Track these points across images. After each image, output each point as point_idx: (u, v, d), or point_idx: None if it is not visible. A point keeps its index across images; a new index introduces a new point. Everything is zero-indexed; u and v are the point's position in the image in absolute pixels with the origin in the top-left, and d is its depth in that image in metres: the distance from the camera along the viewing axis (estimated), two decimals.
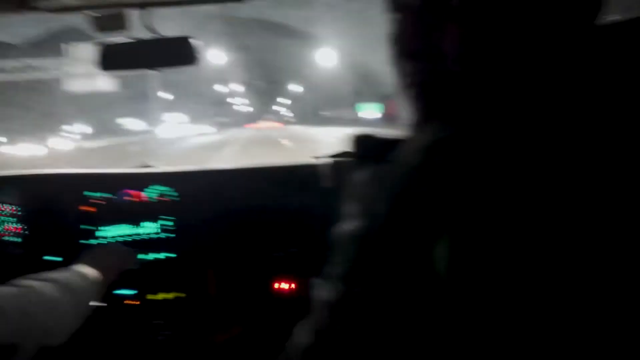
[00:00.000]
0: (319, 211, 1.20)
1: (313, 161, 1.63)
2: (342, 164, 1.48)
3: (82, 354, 1.45)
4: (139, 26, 1.42)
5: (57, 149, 28.43)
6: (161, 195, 1.60)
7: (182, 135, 36.27)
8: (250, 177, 1.69)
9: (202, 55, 1.47)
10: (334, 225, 0.57)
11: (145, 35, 1.43)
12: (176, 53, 1.45)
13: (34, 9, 1.28)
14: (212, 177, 1.69)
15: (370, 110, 36.70)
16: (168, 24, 1.56)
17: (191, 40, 1.43)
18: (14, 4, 1.25)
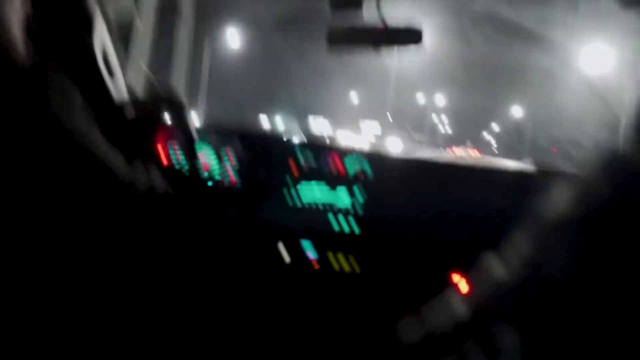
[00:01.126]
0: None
1: (515, 166, 1.55)
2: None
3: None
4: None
5: None
6: (359, 170, 1.65)
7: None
8: (449, 173, 1.65)
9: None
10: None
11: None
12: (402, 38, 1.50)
13: None
14: (409, 165, 1.69)
15: None
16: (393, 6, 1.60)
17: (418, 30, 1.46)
18: None
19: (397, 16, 1.50)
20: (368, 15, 1.53)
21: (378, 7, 1.49)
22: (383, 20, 1.50)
